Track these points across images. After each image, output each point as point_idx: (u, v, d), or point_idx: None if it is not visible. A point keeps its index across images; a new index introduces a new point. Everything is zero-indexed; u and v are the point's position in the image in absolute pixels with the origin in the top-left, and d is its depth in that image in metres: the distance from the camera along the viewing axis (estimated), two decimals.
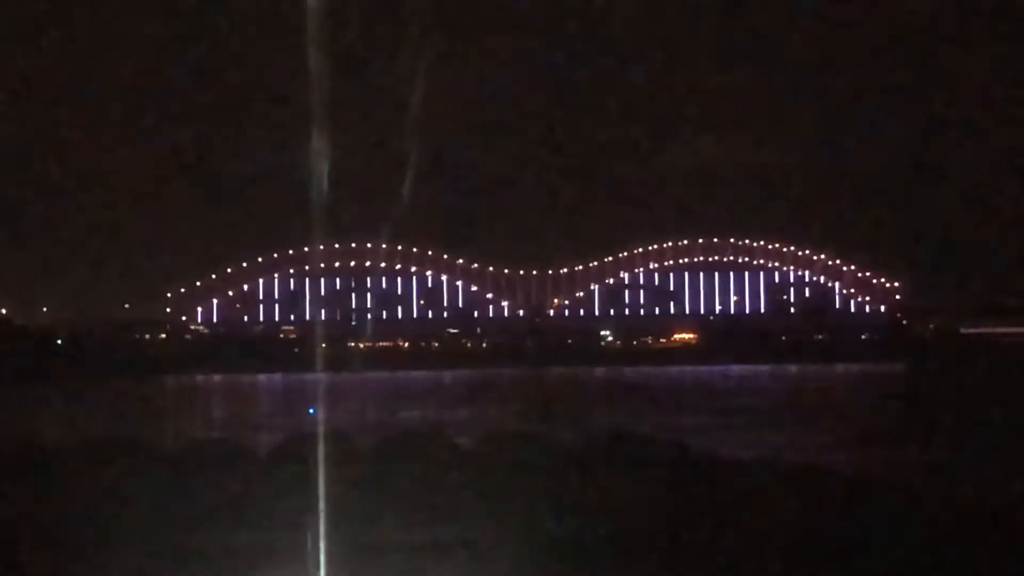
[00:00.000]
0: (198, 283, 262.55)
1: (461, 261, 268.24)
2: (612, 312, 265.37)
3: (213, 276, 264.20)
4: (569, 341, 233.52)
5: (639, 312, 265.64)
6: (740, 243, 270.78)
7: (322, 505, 25.79)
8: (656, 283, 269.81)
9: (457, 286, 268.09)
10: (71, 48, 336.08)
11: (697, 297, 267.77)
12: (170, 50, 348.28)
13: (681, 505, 29.00)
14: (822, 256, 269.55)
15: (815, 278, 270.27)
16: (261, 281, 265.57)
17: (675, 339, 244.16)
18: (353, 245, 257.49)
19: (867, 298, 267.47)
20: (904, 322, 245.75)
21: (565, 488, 31.40)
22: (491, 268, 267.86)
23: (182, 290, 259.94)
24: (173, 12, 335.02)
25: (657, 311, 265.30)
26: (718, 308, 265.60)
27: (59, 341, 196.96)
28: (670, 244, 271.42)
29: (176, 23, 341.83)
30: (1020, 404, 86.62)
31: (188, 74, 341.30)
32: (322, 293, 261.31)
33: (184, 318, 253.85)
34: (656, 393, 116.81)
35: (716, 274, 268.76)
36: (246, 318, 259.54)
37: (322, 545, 23.50)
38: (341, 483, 28.72)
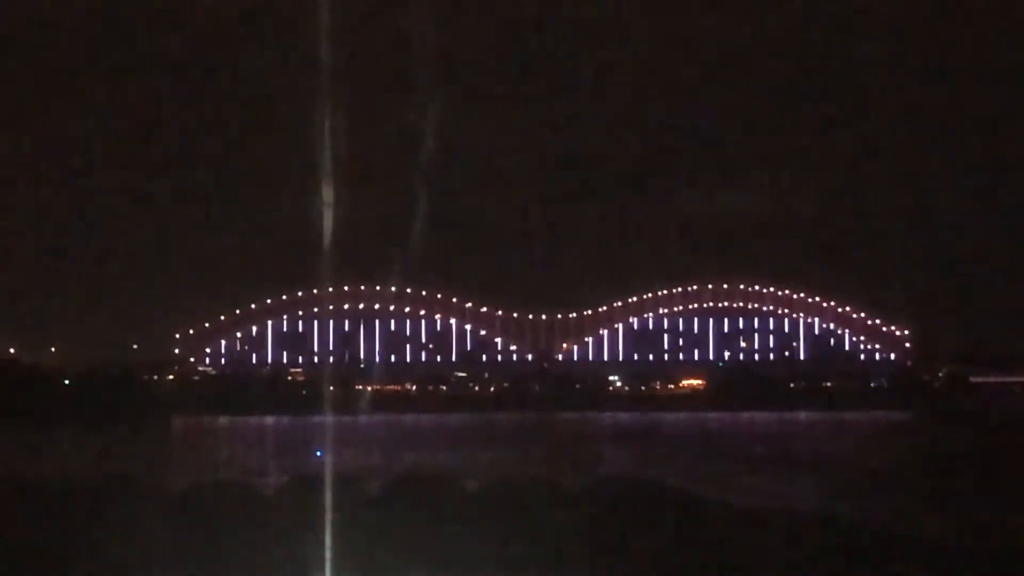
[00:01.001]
0: (206, 324, 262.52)
1: (469, 304, 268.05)
2: (620, 357, 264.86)
3: (221, 317, 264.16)
4: (577, 386, 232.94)
5: (648, 357, 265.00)
6: (749, 289, 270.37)
7: (327, 547, 25.63)
8: (665, 329, 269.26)
9: (465, 329, 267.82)
10: (82, 94, 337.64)
11: (706, 343, 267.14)
12: (182, 89, 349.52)
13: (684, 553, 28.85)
14: (831, 303, 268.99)
15: (824, 325, 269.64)
16: (269, 323, 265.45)
17: (683, 385, 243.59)
18: (361, 288, 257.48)
19: (876, 346, 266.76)
20: (913, 371, 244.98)
21: (567, 534, 31.23)
22: (500, 312, 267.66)
23: (190, 331, 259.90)
24: (182, 55, 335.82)
25: (666, 357, 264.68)
26: (727, 354, 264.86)
27: (66, 381, 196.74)
28: (679, 290, 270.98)
29: (188, 65, 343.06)
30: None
31: (200, 115, 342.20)
32: (330, 335, 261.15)
33: (192, 359, 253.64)
34: (659, 439, 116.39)
35: (725, 320, 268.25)
36: (254, 360, 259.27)
37: None
38: (348, 526, 28.52)
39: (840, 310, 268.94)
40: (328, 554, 25.41)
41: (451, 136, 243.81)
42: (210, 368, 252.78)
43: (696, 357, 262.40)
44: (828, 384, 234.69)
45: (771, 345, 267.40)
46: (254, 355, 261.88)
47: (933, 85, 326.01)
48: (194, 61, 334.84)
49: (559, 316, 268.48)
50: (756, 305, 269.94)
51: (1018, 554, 30.72)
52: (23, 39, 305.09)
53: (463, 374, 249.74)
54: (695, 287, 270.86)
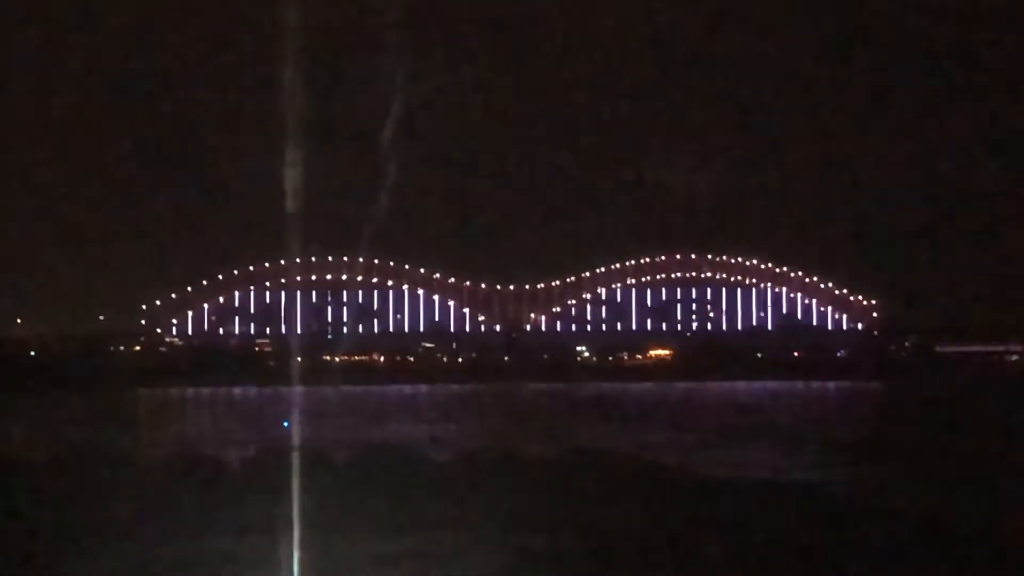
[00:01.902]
0: (173, 295, 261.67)
1: (438, 275, 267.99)
2: (588, 328, 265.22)
3: (189, 289, 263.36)
4: (545, 356, 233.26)
5: (615, 328, 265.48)
6: (717, 260, 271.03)
7: (294, 517, 25.70)
8: (633, 299, 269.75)
9: (434, 300, 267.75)
10: (46, 61, 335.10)
11: (673, 313, 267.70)
12: (146, 59, 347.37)
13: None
14: (799, 273, 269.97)
15: (792, 295, 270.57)
16: (237, 294, 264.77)
17: (651, 355, 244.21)
18: (329, 258, 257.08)
19: (844, 316, 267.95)
20: (880, 341, 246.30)
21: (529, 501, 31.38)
22: (468, 283, 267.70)
23: (157, 302, 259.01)
24: (145, 21, 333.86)
25: (633, 327, 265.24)
26: (694, 325, 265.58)
27: (32, 353, 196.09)
28: (647, 260, 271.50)
29: (149, 34, 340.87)
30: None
31: (164, 86, 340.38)
32: (298, 306, 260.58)
33: (159, 330, 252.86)
34: (627, 410, 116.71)
35: (693, 290, 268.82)
36: (221, 331, 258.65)
37: (293, 554, 23.44)
38: (312, 497, 28.55)
39: (808, 280, 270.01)
40: (295, 524, 25.44)
41: (420, 106, 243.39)
42: (177, 339, 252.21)
43: (664, 327, 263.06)
44: (795, 354, 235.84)
45: (738, 315, 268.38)
46: (221, 326, 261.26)
47: (906, 51, 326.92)
48: (156, 23, 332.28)
49: (527, 287, 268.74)
50: (724, 275, 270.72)
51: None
52: None
53: (430, 345, 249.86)
54: (663, 258, 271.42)
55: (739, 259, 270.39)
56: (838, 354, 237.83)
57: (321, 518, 26.98)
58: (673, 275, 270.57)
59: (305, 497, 27.70)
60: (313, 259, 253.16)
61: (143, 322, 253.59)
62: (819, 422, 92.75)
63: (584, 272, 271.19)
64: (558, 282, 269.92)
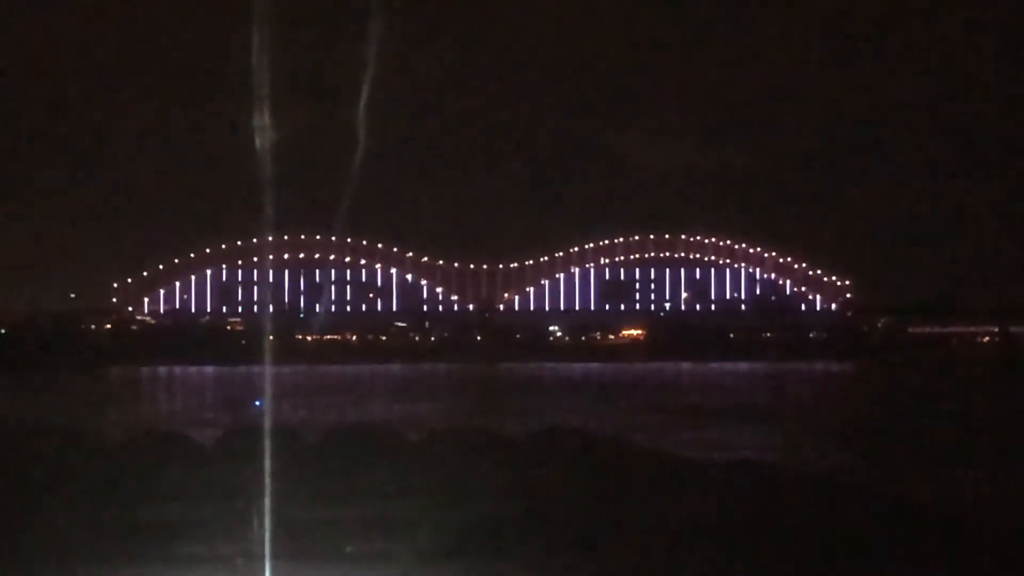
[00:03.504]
0: (145, 273, 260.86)
1: (411, 254, 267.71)
2: (562, 307, 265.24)
3: (160, 267, 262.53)
4: (517, 336, 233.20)
5: (589, 308, 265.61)
6: (691, 240, 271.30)
7: (265, 495, 25.73)
8: (606, 279, 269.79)
9: (406, 280, 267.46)
10: (14, 33, 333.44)
11: (647, 293, 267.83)
12: (116, 33, 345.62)
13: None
14: (773, 253, 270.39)
15: (766, 275, 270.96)
16: (208, 272, 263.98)
17: (624, 335, 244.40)
18: (302, 237, 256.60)
19: (818, 296, 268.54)
20: (853, 321, 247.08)
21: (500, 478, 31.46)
22: (440, 262, 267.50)
23: (128, 280, 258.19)
24: None
25: (607, 307, 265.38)
26: (668, 305, 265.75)
27: (2, 331, 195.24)
28: (621, 240, 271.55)
29: (121, 6, 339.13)
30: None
31: (138, 59, 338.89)
32: (270, 285, 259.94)
33: (130, 309, 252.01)
34: (599, 389, 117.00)
35: (667, 271, 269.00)
36: (193, 309, 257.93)
37: (264, 525, 23.54)
38: (285, 476, 28.47)
39: (782, 260, 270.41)
40: (266, 501, 25.41)
41: (393, 85, 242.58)
42: (148, 317, 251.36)
43: (637, 307, 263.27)
44: (768, 334, 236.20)
45: (711, 295, 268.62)
46: (193, 304, 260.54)
47: (876, 27, 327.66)
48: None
49: (500, 266, 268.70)
50: (697, 255, 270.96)
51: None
52: None
53: (403, 324, 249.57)
54: (636, 237, 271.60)
55: (712, 239, 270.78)
56: (811, 335, 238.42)
57: (285, 491, 26.97)
58: (647, 255, 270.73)
59: (272, 473, 27.73)
60: (286, 238, 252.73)
61: (114, 300, 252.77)
62: (784, 405, 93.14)
63: (557, 252, 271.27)
64: (531, 262, 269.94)
